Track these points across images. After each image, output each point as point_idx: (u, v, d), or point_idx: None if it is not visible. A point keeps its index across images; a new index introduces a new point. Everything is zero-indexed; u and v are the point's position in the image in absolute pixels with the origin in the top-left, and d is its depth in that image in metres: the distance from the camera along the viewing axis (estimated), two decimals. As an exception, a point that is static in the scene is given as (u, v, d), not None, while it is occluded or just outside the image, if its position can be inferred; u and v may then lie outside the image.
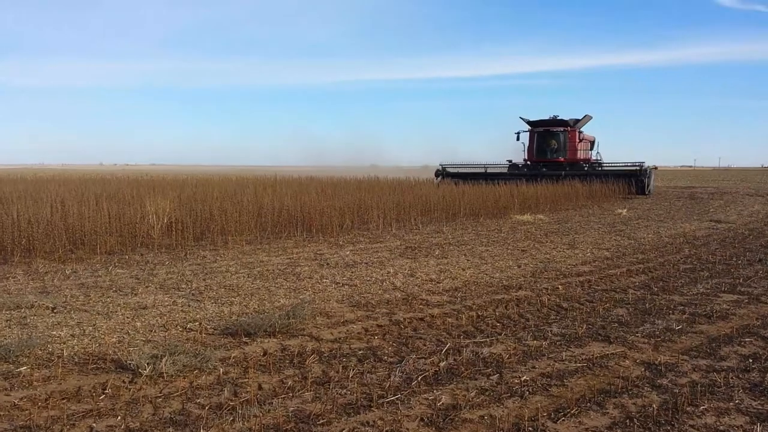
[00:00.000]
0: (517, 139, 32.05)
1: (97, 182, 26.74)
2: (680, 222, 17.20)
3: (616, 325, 6.28)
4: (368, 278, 8.64)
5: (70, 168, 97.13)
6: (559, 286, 8.17)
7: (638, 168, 29.20)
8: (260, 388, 4.51)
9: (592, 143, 34.99)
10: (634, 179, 28.64)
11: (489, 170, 30.44)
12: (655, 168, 35.47)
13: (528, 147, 32.15)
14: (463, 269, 9.43)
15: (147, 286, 7.95)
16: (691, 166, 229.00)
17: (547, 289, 8.03)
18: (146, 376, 4.64)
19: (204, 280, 8.42)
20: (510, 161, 32.10)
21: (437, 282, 8.45)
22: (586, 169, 30.92)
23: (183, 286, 8.02)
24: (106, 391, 4.38)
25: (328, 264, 9.76)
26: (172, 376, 4.68)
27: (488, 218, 17.82)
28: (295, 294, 7.61)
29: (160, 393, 4.39)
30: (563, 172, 28.89)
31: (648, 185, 29.29)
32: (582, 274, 9.16)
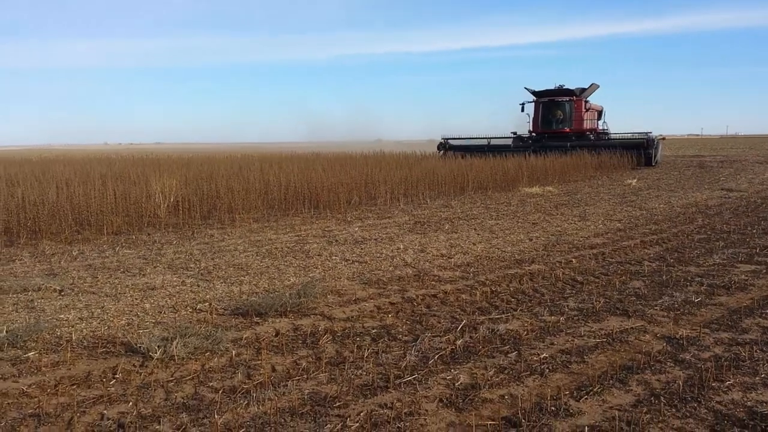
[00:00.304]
0: (522, 110, 31.38)
1: (102, 162, 26.61)
2: (691, 191, 17.00)
3: (634, 298, 6.15)
4: (378, 255, 8.52)
5: (75, 148, 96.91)
6: (573, 260, 8.03)
7: (645, 139, 28.68)
8: (274, 370, 4.40)
9: (600, 113, 34.35)
10: (641, 150, 28.08)
11: (492, 143, 29.96)
12: (663, 138, 35.04)
13: (533, 118, 31.51)
14: (474, 244, 9.30)
15: (155, 267, 7.86)
16: (698, 135, 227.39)
17: (561, 262, 7.89)
18: (157, 359, 4.54)
19: (212, 259, 8.32)
20: (515, 133, 31.50)
21: (448, 257, 8.32)
22: (592, 139, 30.48)
23: (191, 265, 7.92)
24: (117, 376, 4.28)
25: (336, 241, 9.64)
26: (183, 358, 4.57)
27: (497, 191, 17.64)
28: (305, 272, 7.50)
29: (172, 377, 4.29)
30: (569, 144, 28.30)
31: (655, 156, 28.78)
32: (595, 246, 9.01)
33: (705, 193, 16.58)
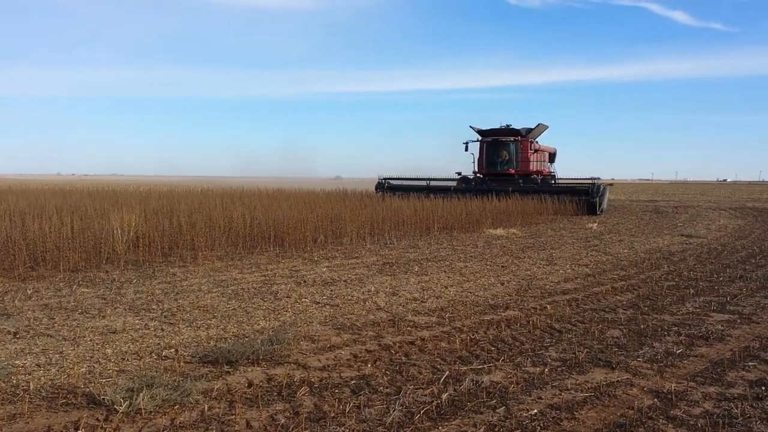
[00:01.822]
0: (466, 149, 29.89)
1: (56, 194, 25.82)
2: (652, 237, 17.21)
3: (615, 348, 6.04)
4: (349, 297, 8.29)
5: (28, 178, 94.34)
6: (547, 306, 7.93)
7: (590, 185, 26.39)
8: (249, 426, 4.13)
9: (552, 155, 33.66)
10: (586, 197, 25.84)
11: (432, 184, 28.65)
12: (611, 183, 35.09)
13: (478, 158, 30.27)
14: (446, 287, 9.15)
15: (115, 307, 7.48)
16: (649, 180, 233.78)
17: (536, 308, 7.78)
18: (122, 413, 4.22)
19: (176, 300, 7.97)
20: (459, 173, 30.23)
21: (422, 301, 8.14)
22: (538, 183, 28.98)
23: (153, 306, 7.57)
24: (79, 432, 3.96)
25: (305, 282, 9.37)
26: (150, 412, 4.27)
27: (462, 232, 17.59)
28: (275, 315, 7.23)
29: (139, 433, 3.98)
30: (511, 188, 26.40)
31: (600, 204, 26.20)
32: (567, 292, 8.95)
33: (666, 238, 16.80)
